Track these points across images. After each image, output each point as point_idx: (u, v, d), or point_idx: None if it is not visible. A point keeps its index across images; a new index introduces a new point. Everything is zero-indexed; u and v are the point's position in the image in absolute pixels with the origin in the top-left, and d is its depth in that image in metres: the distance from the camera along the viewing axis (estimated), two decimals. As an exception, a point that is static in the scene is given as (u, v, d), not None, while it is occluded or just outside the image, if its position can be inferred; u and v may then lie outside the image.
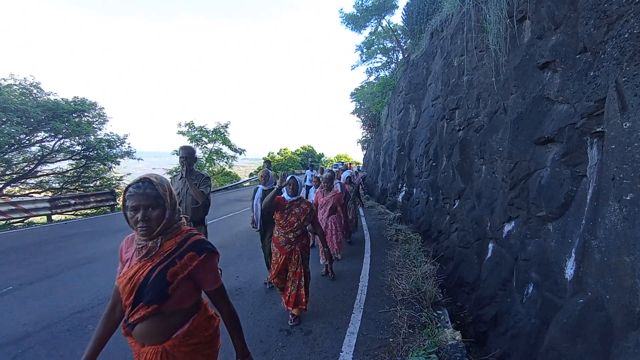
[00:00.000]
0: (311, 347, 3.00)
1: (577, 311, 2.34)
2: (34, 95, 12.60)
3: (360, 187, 12.45)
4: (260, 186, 4.40)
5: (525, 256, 3.31)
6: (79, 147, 14.11)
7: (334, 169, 11.01)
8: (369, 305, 3.89)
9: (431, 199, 7.68)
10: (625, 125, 2.02)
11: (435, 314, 3.59)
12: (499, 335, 3.39)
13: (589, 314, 2.24)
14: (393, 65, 20.77)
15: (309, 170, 11.51)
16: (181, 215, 1.37)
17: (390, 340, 3.10)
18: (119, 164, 15.20)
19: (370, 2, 18.48)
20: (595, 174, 2.47)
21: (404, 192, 10.76)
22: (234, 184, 21.42)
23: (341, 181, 6.50)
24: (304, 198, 3.41)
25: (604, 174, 2.30)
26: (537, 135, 3.25)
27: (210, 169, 21.72)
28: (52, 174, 14.41)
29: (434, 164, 7.57)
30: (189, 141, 21.67)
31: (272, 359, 2.81)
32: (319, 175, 6.55)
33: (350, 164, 29.30)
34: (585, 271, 2.39)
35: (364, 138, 26.97)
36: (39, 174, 13.97)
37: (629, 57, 2.07)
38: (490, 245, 4.29)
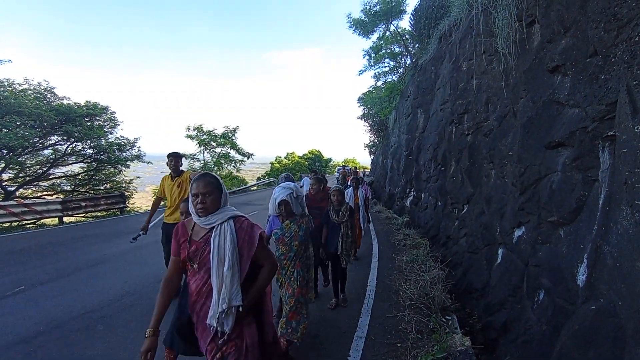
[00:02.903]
0: (318, 351, 2.99)
1: (589, 318, 2.29)
2: (47, 99, 12.88)
3: (365, 201, 6.13)
4: None
5: (536, 262, 3.26)
6: (90, 151, 14.36)
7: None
8: (377, 309, 3.87)
9: (439, 203, 7.62)
10: (637, 129, 1.99)
11: (443, 320, 3.55)
12: (509, 342, 3.34)
13: (601, 320, 2.19)
14: (401, 70, 20.79)
15: (306, 178, 6.96)
16: None
17: (399, 345, 3.08)
18: (129, 167, 15.41)
19: (378, 7, 18.56)
20: (607, 179, 2.43)
21: (412, 197, 10.70)
22: (241, 187, 21.57)
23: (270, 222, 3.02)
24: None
25: (615, 179, 2.27)
26: (548, 139, 3.21)
27: (218, 172, 21.88)
28: (63, 176, 14.68)
29: (442, 168, 7.52)
30: (197, 145, 21.73)
31: (279, 362, 2.81)
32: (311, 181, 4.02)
33: (355, 168, 28.98)
34: (598, 277, 2.34)
35: (372, 143, 26.90)
36: (51, 176, 14.22)
37: (640, 61, 2.05)
38: (500, 251, 4.23)
